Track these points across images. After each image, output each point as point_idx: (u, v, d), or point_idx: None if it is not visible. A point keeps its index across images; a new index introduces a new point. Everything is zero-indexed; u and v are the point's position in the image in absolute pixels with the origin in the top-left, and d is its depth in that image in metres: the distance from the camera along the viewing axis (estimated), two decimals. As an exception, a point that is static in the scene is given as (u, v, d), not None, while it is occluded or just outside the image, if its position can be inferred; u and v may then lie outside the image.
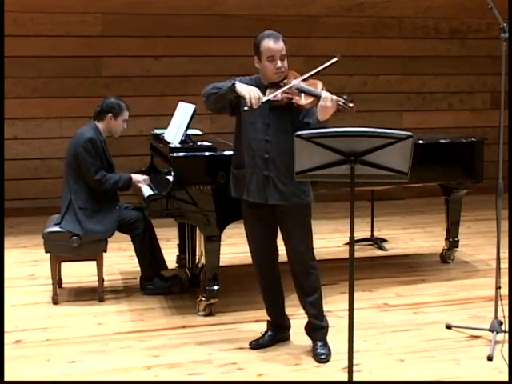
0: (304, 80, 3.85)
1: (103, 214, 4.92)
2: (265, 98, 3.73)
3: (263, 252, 4.07)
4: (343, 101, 3.66)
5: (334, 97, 3.67)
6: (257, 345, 4.14)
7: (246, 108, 3.71)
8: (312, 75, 3.83)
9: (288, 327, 4.26)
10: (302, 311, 4.18)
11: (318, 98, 3.71)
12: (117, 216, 4.97)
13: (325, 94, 3.68)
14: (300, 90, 3.81)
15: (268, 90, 3.87)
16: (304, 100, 3.78)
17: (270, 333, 4.19)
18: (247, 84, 3.84)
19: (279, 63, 3.84)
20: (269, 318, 4.21)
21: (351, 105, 3.67)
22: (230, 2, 8.13)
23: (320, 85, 3.83)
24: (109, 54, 7.88)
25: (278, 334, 4.21)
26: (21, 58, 7.59)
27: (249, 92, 3.71)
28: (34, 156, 7.85)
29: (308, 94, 3.78)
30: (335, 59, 3.76)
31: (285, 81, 3.87)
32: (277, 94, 3.78)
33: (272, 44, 3.83)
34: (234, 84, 3.80)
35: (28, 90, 7.72)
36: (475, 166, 5.59)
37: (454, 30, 8.91)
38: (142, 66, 7.99)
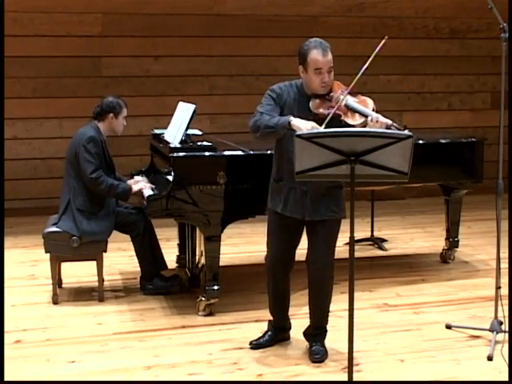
0: (353, 96, 3.74)
1: (100, 216, 4.90)
2: (322, 129, 3.51)
3: (281, 261, 4.02)
4: (396, 126, 3.56)
5: (385, 120, 3.57)
6: (257, 344, 4.14)
7: None
8: (358, 78, 3.65)
9: (289, 328, 4.26)
10: (302, 311, 4.19)
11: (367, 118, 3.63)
12: (114, 219, 4.96)
13: (375, 118, 3.57)
14: (350, 108, 3.70)
15: (312, 102, 3.77)
16: (354, 119, 3.67)
17: (270, 333, 4.19)
18: (287, 94, 3.77)
19: (327, 77, 3.75)
20: (270, 318, 4.21)
21: (406, 132, 3.59)
22: (229, 2, 8.12)
23: (371, 104, 3.73)
24: (109, 53, 7.87)
25: (278, 334, 4.20)
26: (21, 57, 7.59)
27: (306, 129, 3.53)
28: (33, 156, 7.85)
29: (359, 113, 3.68)
30: (384, 40, 3.61)
31: (331, 94, 3.77)
32: (329, 113, 3.63)
33: (321, 57, 3.71)
34: (290, 122, 3.63)
35: (28, 89, 7.72)
36: (475, 166, 5.59)
37: (454, 30, 8.91)
38: (141, 66, 7.99)
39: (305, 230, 3.97)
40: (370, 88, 8.61)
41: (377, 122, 3.58)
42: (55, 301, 4.92)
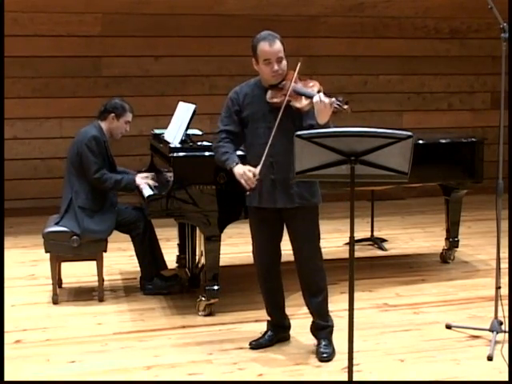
0: (301, 80, 3.83)
1: (102, 214, 4.91)
2: (257, 171, 3.73)
3: (267, 255, 4.05)
4: (338, 103, 3.60)
5: (327, 99, 3.61)
6: (257, 345, 4.14)
7: (247, 193, 3.78)
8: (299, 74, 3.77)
9: (288, 327, 4.26)
10: (302, 311, 4.19)
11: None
12: (115, 218, 4.96)
13: (317, 98, 3.63)
14: (298, 93, 3.77)
15: (269, 92, 3.85)
16: (301, 103, 3.75)
17: (270, 333, 4.19)
18: (244, 93, 3.92)
19: (276, 66, 3.80)
20: (269, 318, 4.21)
21: (346, 107, 3.61)
22: (230, 2, 8.12)
23: (316, 87, 3.78)
24: (109, 53, 7.87)
25: (278, 333, 4.20)
26: (21, 57, 7.59)
27: (241, 177, 3.75)
28: (33, 156, 7.85)
29: (305, 96, 3.75)
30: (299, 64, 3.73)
31: (283, 82, 3.84)
32: (282, 101, 3.74)
33: (268, 47, 3.78)
34: (232, 168, 3.83)
35: (28, 89, 7.72)
36: (475, 165, 5.59)
37: (454, 29, 8.91)
38: (141, 66, 7.99)
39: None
40: (370, 88, 8.64)
41: (321, 101, 3.61)
42: (55, 301, 4.92)
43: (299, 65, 3.76)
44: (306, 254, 3.96)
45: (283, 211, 3.93)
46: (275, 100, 3.81)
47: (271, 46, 3.78)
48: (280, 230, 4.03)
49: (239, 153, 4.04)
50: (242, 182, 3.75)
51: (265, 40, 3.80)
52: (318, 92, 3.71)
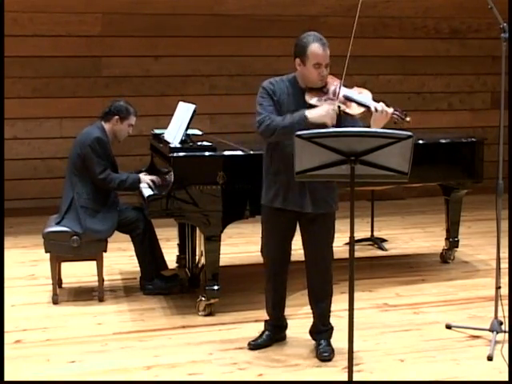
0: (348, 87, 3.78)
1: (104, 214, 4.92)
2: (335, 106, 3.62)
3: (280, 253, 4.04)
4: (398, 113, 3.62)
5: (390, 110, 3.62)
6: (255, 345, 4.14)
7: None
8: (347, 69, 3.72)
9: (285, 327, 4.27)
10: (302, 311, 4.19)
11: (368, 108, 3.67)
12: (117, 217, 4.97)
13: (380, 107, 3.62)
14: (349, 99, 3.73)
15: (308, 95, 3.78)
16: (354, 109, 3.71)
17: (267, 332, 4.19)
18: (280, 88, 3.79)
19: (325, 71, 3.77)
20: (267, 318, 4.21)
21: (408, 119, 3.62)
22: (230, 2, 8.13)
23: (370, 94, 3.76)
24: (109, 53, 7.88)
25: (275, 333, 4.21)
26: (21, 57, 7.59)
27: (326, 116, 3.64)
28: (34, 156, 7.85)
29: (359, 103, 3.71)
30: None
31: (327, 87, 3.79)
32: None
33: (321, 51, 3.74)
34: (307, 116, 3.67)
35: (28, 89, 7.72)
36: (475, 166, 5.59)
37: (454, 29, 8.91)
38: (142, 66, 7.99)
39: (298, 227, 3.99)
40: (370, 88, 8.55)
41: (382, 111, 3.61)
42: (55, 301, 4.92)
43: (345, 71, 3.69)
44: (320, 260, 3.96)
45: (303, 215, 3.90)
46: (321, 103, 3.73)
47: (324, 50, 3.75)
48: (294, 229, 4.02)
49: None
50: (328, 121, 3.62)
51: (318, 42, 3.75)
52: (374, 100, 3.69)
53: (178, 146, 4.65)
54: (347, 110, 3.72)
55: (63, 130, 7.76)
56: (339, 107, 3.71)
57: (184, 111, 5.00)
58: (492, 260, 5.41)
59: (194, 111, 4.83)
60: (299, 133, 3.18)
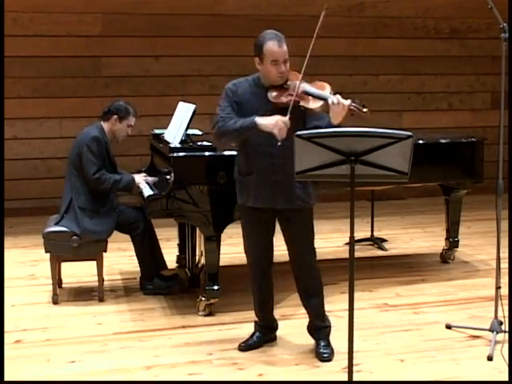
0: (308, 81, 3.78)
1: (102, 215, 4.91)
2: (287, 119, 3.61)
3: (261, 252, 4.05)
4: (355, 105, 3.60)
5: (346, 102, 3.60)
6: (246, 346, 4.13)
7: (279, 143, 3.64)
8: (307, 62, 3.69)
9: (275, 328, 4.26)
10: (302, 311, 4.18)
11: (326, 101, 3.65)
12: (115, 218, 4.96)
13: (336, 99, 3.60)
14: (308, 94, 3.73)
15: (270, 92, 3.80)
16: (313, 104, 3.71)
17: (258, 334, 4.19)
18: (243, 88, 3.84)
19: (283, 67, 3.77)
20: (256, 319, 4.21)
21: (365, 110, 3.60)
22: (230, 2, 8.12)
23: (328, 88, 3.75)
24: (109, 53, 7.87)
25: (265, 334, 4.20)
26: (21, 57, 7.59)
27: (274, 126, 3.63)
28: (33, 156, 7.85)
29: (317, 97, 3.71)
30: (323, 13, 3.67)
31: (288, 83, 3.80)
32: (289, 101, 3.68)
33: (276, 48, 3.74)
34: (256, 122, 3.70)
35: (28, 89, 7.72)
36: (475, 166, 5.59)
37: (454, 29, 8.91)
38: (142, 66, 7.99)
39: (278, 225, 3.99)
40: (370, 88, 8.64)
41: (338, 103, 3.59)
42: (55, 301, 4.92)
43: (304, 66, 3.70)
44: (302, 255, 3.96)
45: (280, 212, 3.92)
46: (282, 100, 3.75)
47: (280, 46, 3.75)
48: (273, 227, 4.02)
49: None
50: (275, 131, 3.63)
51: (273, 40, 3.76)
52: (330, 93, 3.69)
53: (178, 146, 4.65)
54: (307, 106, 3.72)
55: (63, 129, 7.76)
56: (299, 102, 3.69)
57: (184, 111, 5.00)
58: (492, 260, 5.41)
59: (194, 111, 4.83)
60: (299, 133, 3.18)
